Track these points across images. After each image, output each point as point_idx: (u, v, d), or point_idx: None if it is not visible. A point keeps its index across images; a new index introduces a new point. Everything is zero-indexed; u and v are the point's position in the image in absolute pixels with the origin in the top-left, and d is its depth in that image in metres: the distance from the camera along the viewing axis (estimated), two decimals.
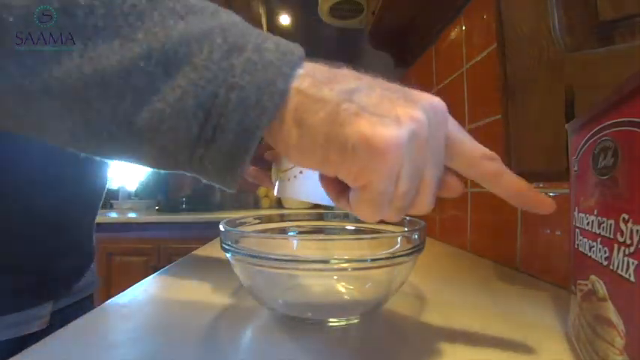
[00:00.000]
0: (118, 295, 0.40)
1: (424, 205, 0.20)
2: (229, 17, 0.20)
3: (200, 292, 0.41)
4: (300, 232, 0.47)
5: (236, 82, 0.18)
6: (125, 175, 2.18)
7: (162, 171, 0.21)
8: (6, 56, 0.17)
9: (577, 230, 0.24)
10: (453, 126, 0.20)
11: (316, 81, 0.19)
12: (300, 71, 0.19)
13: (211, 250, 0.72)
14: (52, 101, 0.18)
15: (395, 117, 0.17)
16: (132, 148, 0.19)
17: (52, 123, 0.19)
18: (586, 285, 0.22)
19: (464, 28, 0.67)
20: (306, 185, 0.35)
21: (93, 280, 0.54)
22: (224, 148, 0.18)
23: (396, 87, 0.20)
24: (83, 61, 0.17)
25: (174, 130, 0.18)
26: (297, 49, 0.20)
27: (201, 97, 0.18)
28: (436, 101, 0.19)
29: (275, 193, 0.39)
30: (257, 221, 0.44)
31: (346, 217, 0.48)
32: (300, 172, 0.36)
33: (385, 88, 0.19)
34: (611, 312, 0.18)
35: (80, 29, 0.17)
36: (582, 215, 0.23)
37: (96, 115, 0.18)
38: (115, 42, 0.17)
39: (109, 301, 0.38)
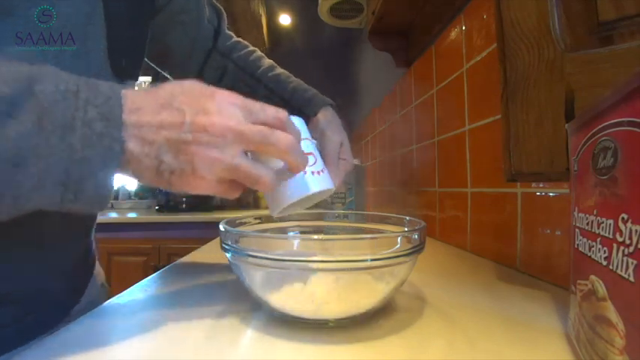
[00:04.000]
0: (118, 295, 0.40)
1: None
2: (46, 90, 0.22)
3: (200, 292, 0.41)
4: (300, 232, 0.47)
5: (82, 156, 0.22)
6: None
7: None
8: None
9: (577, 230, 0.24)
10: None
11: (141, 132, 0.24)
12: (127, 122, 0.24)
13: (211, 250, 0.72)
14: None
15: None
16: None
17: None
18: (586, 285, 0.22)
19: (464, 28, 0.67)
20: (284, 187, 0.34)
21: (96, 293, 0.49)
22: (87, 203, 0.24)
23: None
24: None
25: (42, 203, 0.23)
26: (115, 95, 0.24)
27: (55, 176, 0.22)
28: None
29: (273, 214, 0.36)
30: (257, 221, 0.44)
31: (346, 217, 0.48)
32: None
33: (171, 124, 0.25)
34: (611, 312, 0.18)
35: None
36: (582, 215, 0.23)
37: None
38: None
39: (108, 301, 0.38)
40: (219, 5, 0.61)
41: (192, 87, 0.27)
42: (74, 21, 0.33)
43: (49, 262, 0.40)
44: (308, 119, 0.49)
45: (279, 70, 0.58)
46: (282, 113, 0.29)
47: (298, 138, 0.30)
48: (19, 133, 0.21)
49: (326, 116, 0.50)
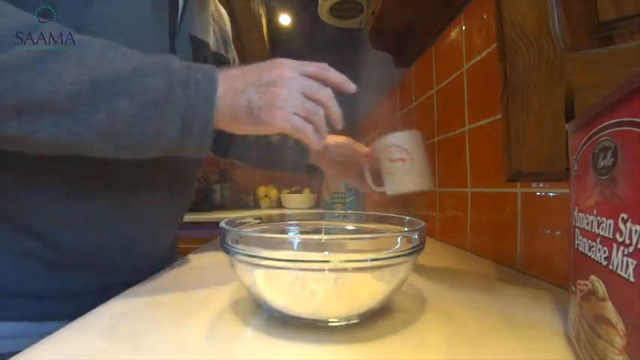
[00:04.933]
0: (118, 295, 0.40)
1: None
2: (173, 63, 0.34)
3: (200, 292, 0.41)
4: (301, 232, 0.47)
5: (194, 103, 0.33)
6: None
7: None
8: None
9: (577, 230, 0.24)
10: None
11: (232, 86, 0.36)
12: (221, 80, 0.35)
13: (211, 250, 0.72)
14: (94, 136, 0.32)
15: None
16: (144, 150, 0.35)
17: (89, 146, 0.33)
18: (586, 285, 0.22)
19: (464, 28, 0.67)
20: (410, 176, 0.47)
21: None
22: (195, 142, 0.35)
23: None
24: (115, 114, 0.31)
25: (167, 140, 0.34)
26: (213, 68, 0.35)
27: (177, 116, 0.33)
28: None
29: (387, 191, 0.49)
30: (257, 221, 0.44)
31: (346, 217, 0.48)
32: (403, 162, 0.47)
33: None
34: (610, 312, 0.18)
35: (107, 93, 0.31)
36: (582, 215, 0.23)
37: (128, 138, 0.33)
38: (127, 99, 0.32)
39: (108, 300, 0.38)
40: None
41: (266, 62, 0.38)
42: None
43: (153, 232, 0.49)
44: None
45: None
46: (323, 67, 0.39)
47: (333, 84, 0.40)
48: (157, 86, 0.32)
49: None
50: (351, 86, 0.39)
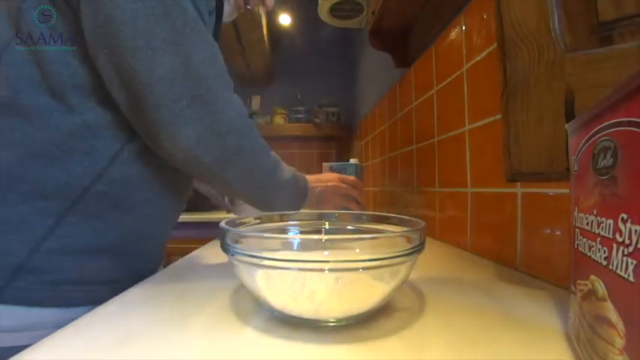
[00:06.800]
0: (118, 295, 0.40)
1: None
2: (298, 176, 0.61)
3: (200, 292, 0.41)
4: (300, 232, 0.47)
5: (295, 195, 0.60)
6: None
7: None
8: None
9: (577, 230, 0.24)
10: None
11: (312, 190, 0.64)
12: (310, 185, 0.64)
13: (211, 250, 0.72)
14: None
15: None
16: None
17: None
18: (586, 285, 0.22)
19: (464, 28, 0.67)
20: None
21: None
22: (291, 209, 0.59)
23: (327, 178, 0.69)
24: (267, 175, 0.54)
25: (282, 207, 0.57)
26: (304, 176, 0.64)
27: (287, 199, 0.58)
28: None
29: None
30: (257, 221, 0.44)
31: (346, 217, 0.48)
32: None
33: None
34: (610, 312, 0.18)
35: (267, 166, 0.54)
36: (582, 215, 0.23)
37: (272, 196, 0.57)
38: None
39: (108, 300, 0.38)
40: None
41: (327, 174, 0.70)
42: None
43: (166, 222, 0.55)
44: None
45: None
46: (352, 179, 0.72)
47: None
48: (289, 194, 0.58)
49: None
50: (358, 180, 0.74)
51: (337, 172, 0.76)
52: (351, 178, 0.70)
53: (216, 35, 0.52)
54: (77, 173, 0.41)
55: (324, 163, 0.90)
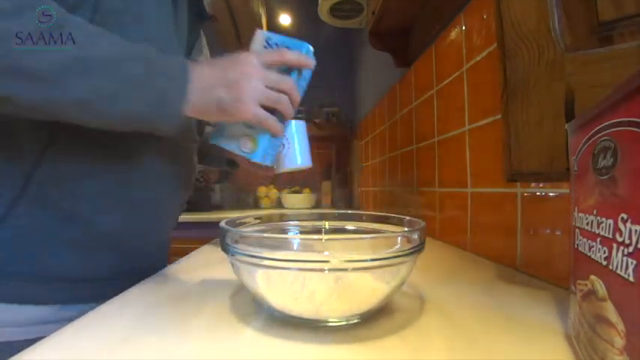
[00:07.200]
0: (118, 295, 0.40)
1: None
2: (155, 55, 0.38)
3: (200, 292, 0.41)
4: (301, 232, 0.47)
5: (166, 86, 0.37)
6: None
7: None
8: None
9: (577, 230, 0.24)
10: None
11: (201, 81, 0.39)
12: (192, 76, 0.39)
13: (211, 250, 0.72)
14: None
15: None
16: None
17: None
18: (586, 285, 0.22)
19: (464, 28, 0.67)
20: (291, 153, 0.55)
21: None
22: (165, 120, 0.39)
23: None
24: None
25: (137, 109, 0.37)
26: (186, 62, 0.40)
27: (149, 95, 0.37)
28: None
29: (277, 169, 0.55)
30: (257, 221, 0.44)
31: (346, 217, 0.48)
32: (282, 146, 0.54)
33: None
34: (610, 312, 0.18)
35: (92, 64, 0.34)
36: (582, 215, 0.23)
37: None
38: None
39: (108, 300, 0.38)
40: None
41: (232, 57, 0.42)
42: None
43: (166, 220, 0.54)
44: None
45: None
46: (280, 53, 0.44)
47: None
48: (137, 72, 0.36)
49: None
50: (310, 62, 0.45)
51: (269, 50, 0.47)
52: (273, 54, 0.43)
53: None
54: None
55: (257, 30, 0.50)
